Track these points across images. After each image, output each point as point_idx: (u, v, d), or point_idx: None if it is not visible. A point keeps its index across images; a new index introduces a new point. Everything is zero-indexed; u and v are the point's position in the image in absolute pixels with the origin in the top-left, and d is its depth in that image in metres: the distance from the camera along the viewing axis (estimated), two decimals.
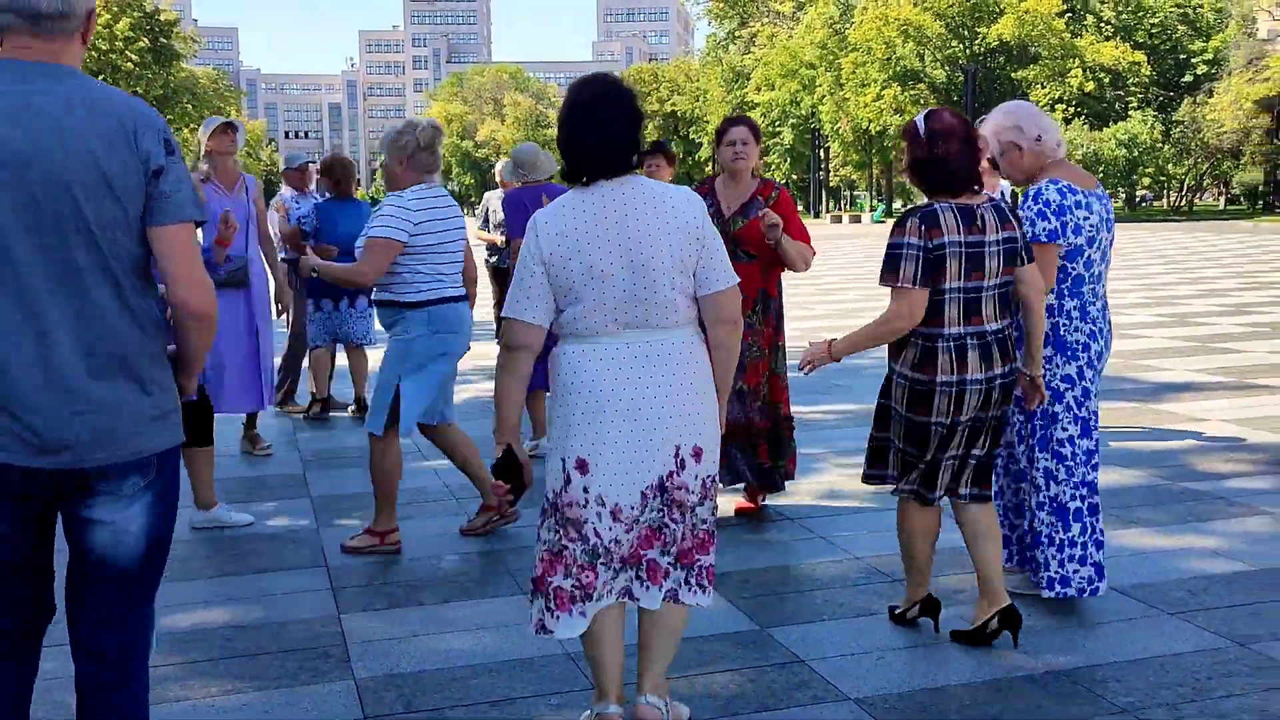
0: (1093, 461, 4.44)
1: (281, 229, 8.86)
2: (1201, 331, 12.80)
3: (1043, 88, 56.35)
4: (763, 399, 5.68)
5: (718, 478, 3.45)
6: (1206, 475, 6.50)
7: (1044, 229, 4.25)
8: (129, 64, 43.93)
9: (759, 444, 5.70)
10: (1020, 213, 4.28)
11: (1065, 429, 4.36)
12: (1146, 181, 59.88)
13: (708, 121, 78.59)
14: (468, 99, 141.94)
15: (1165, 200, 64.81)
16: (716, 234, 3.31)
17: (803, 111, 67.43)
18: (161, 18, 47.34)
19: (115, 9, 43.84)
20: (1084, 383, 4.36)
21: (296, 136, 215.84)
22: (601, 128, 3.21)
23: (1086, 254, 4.33)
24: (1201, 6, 61.33)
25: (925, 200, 3.94)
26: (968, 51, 58.93)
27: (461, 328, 5.40)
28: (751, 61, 72.49)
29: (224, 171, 7.09)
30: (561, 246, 3.16)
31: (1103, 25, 59.23)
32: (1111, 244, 4.45)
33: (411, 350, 5.32)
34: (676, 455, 3.26)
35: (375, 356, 7.11)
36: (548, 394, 4.20)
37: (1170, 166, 56.28)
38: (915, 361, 3.92)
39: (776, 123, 70.54)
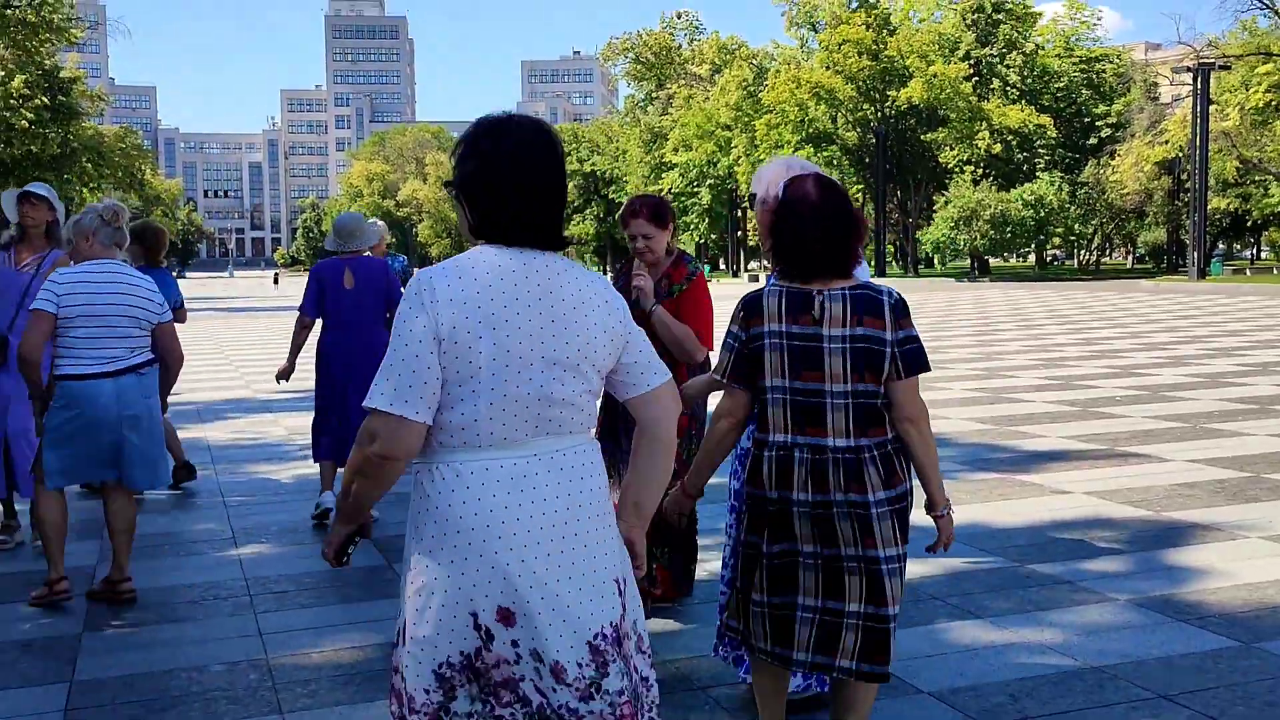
0: None
1: None
2: (1084, 395, 12.64)
3: (952, 149, 57.32)
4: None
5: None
6: (1057, 556, 6.16)
7: None
8: (24, 122, 42.81)
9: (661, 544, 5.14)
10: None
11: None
12: (1056, 241, 61.01)
13: (627, 181, 78.87)
14: (390, 158, 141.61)
15: (1075, 259, 66.06)
16: (638, 327, 2.70)
17: (720, 172, 67.90)
18: (62, 75, 46.29)
19: (10, 66, 42.78)
20: None
21: (216, 196, 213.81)
22: (539, 176, 2.50)
23: None
24: (1104, 72, 62.95)
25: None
26: (879, 114, 59.83)
27: (94, 401, 5.32)
28: (669, 123, 72.97)
29: (33, 241, 6.70)
30: (469, 320, 2.38)
31: (1009, 89, 60.52)
32: None
33: (48, 419, 5.42)
34: (620, 592, 2.55)
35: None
36: None
37: (1077, 226, 57.35)
38: (746, 471, 3.38)
39: (694, 183, 70.98)
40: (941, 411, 11.42)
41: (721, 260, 73.21)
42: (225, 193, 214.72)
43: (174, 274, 8.61)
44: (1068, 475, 8.28)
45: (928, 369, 3.37)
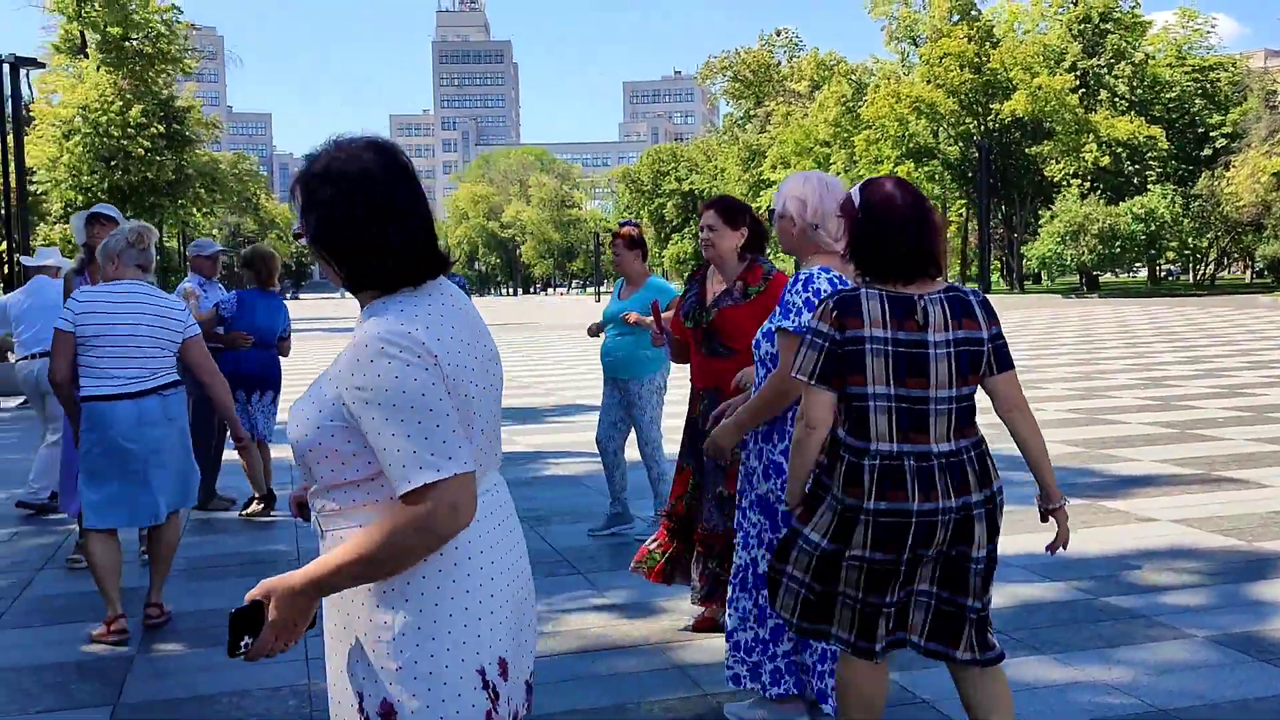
0: None
1: (196, 317, 8.49)
2: (1184, 416, 12.14)
3: (1057, 162, 56.04)
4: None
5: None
6: (1136, 588, 5.87)
7: (797, 321, 3.78)
8: (140, 149, 44.31)
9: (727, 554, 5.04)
10: (787, 297, 3.84)
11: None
12: (1170, 255, 59.20)
13: None
14: (494, 180, 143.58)
15: (1190, 274, 64.03)
16: None
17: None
18: (177, 104, 47.86)
19: (129, 96, 44.34)
20: None
21: None
22: (423, 202, 2.23)
23: None
24: (1219, 81, 61.00)
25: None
26: (981, 128, 58.78)
27: (112, 423, 5.26)
28: (767, 140, 72.68)
29: (96, 264, 6.81)
30: (461, 355, 2.14)
31: (1117, 100, 58.98)
32: None
33: (83, 450, 5.36)
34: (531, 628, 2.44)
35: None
36: None
37: (1191, 240, 55.58)
38: (842, 479, 3.22)
39: None
40: None
41: None
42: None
43: (287, 297, 8.69)
44: (1157, 501, 7.92)
45: (1013, 365, 3.37)
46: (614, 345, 7.17)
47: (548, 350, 26.71)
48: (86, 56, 45.31)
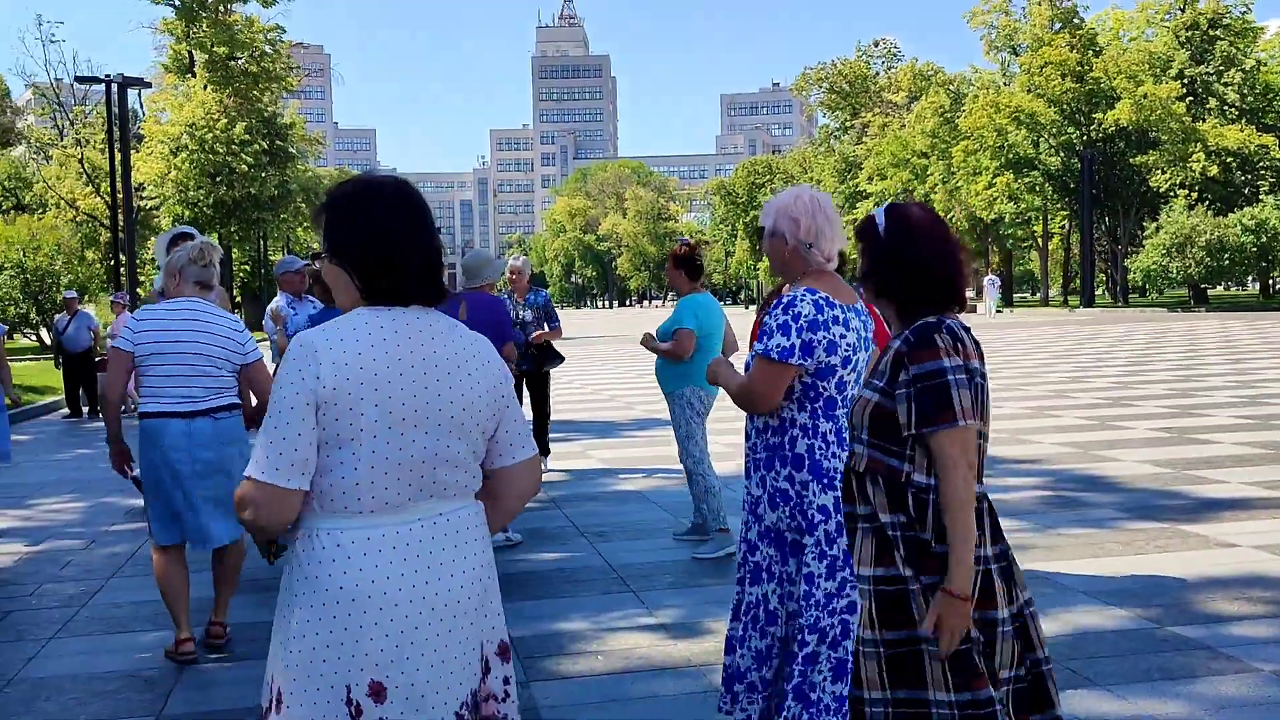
0: (831, 606, 3.65)
1: (280, 341, 8.57)
2: None
3: (1163, 173, 54.52)
4: None
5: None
6: (1204, 617, 5.64)
7: (777, 345, 3.64)
8: (244, 166, 45.48)
9: None
10: (766, 319, 3.72)
11: (808, 564, 3.67)
12: None
13: None
14: (591, 193, 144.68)
15: None
16: (515, 395, 2.65)
17: (916, 200, 66.51)
18: (279, 121, 49.05)
19: (233, 114, 45.55)
20: (839, 516, 3.65)
21: None
22: (433, 236, 2.49)
23: (840, 374, 3.73)
24: None
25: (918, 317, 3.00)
26: (1084, 137, 57.48)
27: (163, 441, 5.27)
28: (863, 151, 72.01)
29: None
30: (350, 381, 2.32)
31: (1227, 109, 57.24)
32: (868, 363, 3.83)
33: (142, 467, 5.38)
34: (483, 659, 2.53)
35: None
36: None
37: None
38: (935, 530, 2.87)
39: None
40: (1116, 452, 10.75)
41: None
42: (439, 229, 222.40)
43: None
44: (1239, 526, 7.61)
45: None
46: (658, 360, 7.35)
47: (632, 363, 26.72)
48: (194, 76, 46.67)
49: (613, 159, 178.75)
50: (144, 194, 46.17)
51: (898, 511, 2.91)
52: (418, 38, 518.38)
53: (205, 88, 45.50)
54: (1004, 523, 7.61)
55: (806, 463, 3.68)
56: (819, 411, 3.71)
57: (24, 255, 41.81)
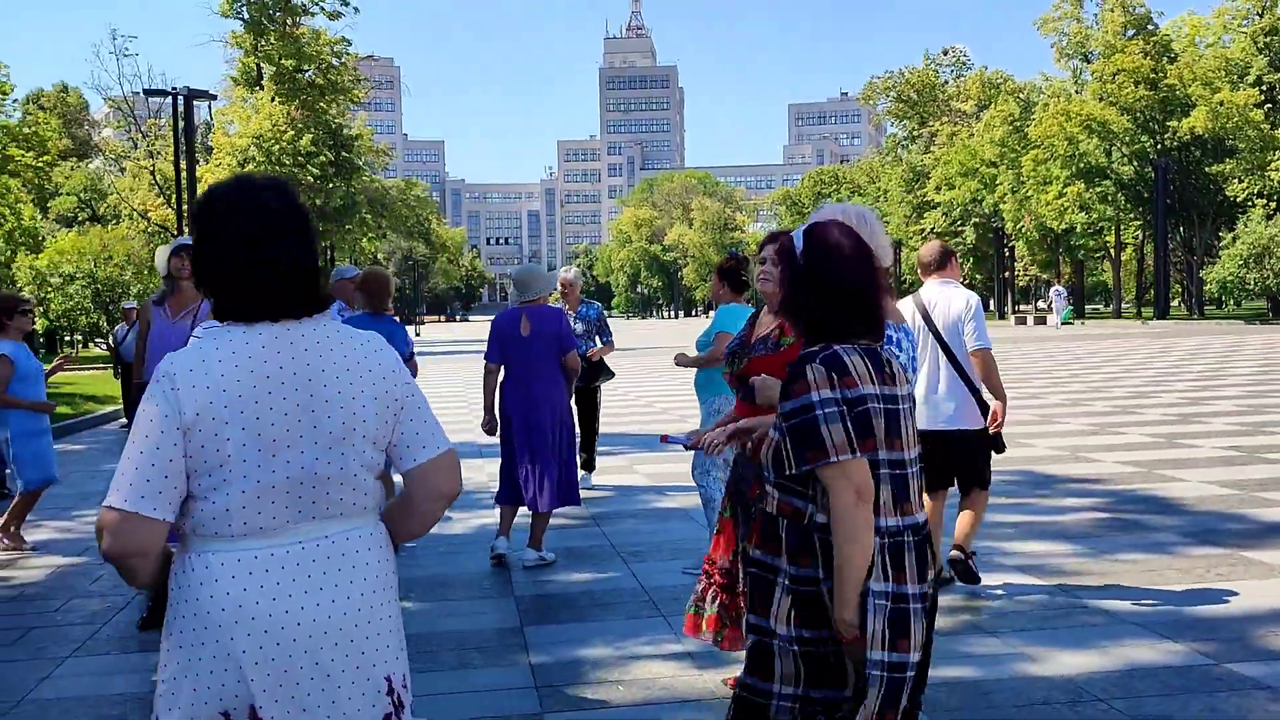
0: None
1: None
2: None
3: (1240, 181, 53.18)
4: None
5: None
6: (1265, 654, 5.29)
7: None
8: (310, 177, 45.99)
9: None
10: None
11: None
12: None
13: (888, 221, 77.36)
14: (657, 204, 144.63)
15: None
16: (418, 388, 2.52)
17: (984, 210, 65.56)
18: (345, 132, 49.51)
19: (300, 126, 46.07)
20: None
21: (496, 243, 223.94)
22: (293, 244, 2.35)
23: None
24: None
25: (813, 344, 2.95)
26: (1157, 146, 56.29)
27: None
28: (931, 161, 71.16)
29: (182, 295, 6.86)
30: (214, 405, 2.23)
31: None
32: (914, 385, 3.72)
33: None
34: (391, 690, 2.40)
35: None
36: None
37: None
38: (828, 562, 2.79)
39: (958, 222, 68.86)
40: (1180, 472, 10.33)
41: (991, 302, 70.46)
42: (506, 240, 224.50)
43: (402, 320, 8.45)
44: None
45: None
46: (697, 372, 7.18)
47: (688, 374, 26.51)
48: (262, 88, 47.29)
49: (679, 169, 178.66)
50: None
51: (801, 558, 2.82)
52: (486, 50, 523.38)
53: (273, 100, 46.06)
54: (1056, 547, 7.38)
55: None
56: None
57: (95, 265, 42.76)
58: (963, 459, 6.48)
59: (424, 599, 6.73)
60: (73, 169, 66.16)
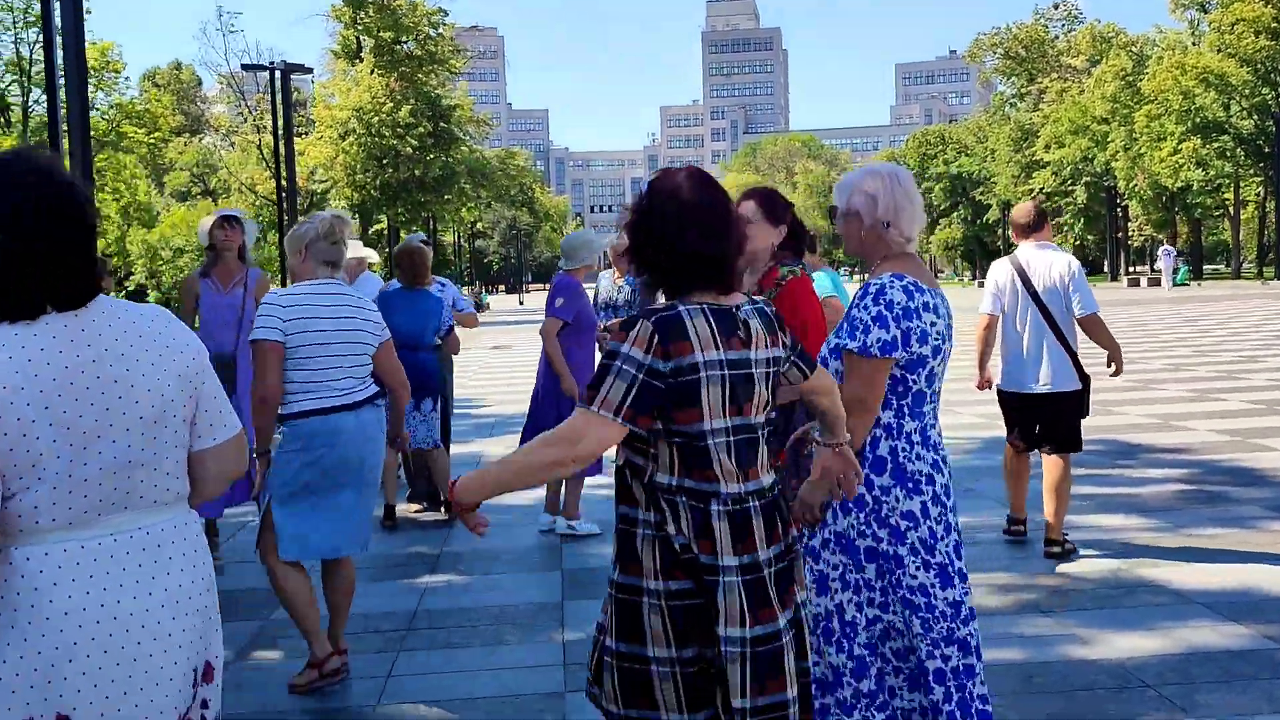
0: (961, 615, 3.39)
1: None
2: None
3: None
4: None
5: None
6: None
7: (878, 339, 3.29)
8: (409, 148, 46.46)
9: None
10: (854, 312, 3.35)
11: (914, 575, 3.35)
12: None
13: (995, 181, 75.54)
14: (760, 168, 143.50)
15: None
16: (211, 371, 2.44)
17: (1096, 169, 63.54)
18: (444, 103, 49.86)
19: (399, 98, 46.53)
20: (929, 521, 3.37)
21: (600, 211, 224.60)
22: (67, 228, 2.22)
23: (930, 365, 3.40)
24: None
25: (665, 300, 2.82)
26: (1279, 98, 53.86)
27: (336, 439, 4.67)
28: (1040, 119, 69.18)
29: (225, 266, 6.88)
30: (15, 406, 2.13)
31: None
32: (950, 355, 3.51)
33: (276, 471, 4.72)
34: (197, 681, 2.36)
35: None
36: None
37: None
38: (690, 532, 2.71)
39: (1068, 181, 66.90)
40: (1275, 441, 9.83)
41: (1104, 263, 68.34)
42: (609, 208, 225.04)
43: (441, 290, 8.28)
44: None
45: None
46: None
47: None
48: (361, 60, 47.85)
49: (783, 133, 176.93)
50: (316, 178, 47.65)
51: (651, 510, 2.73)
52: (589, 17, 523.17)
53: (372, 72, 46.58)
54: (1130, 521, 7.04)
55: (889, 466, 3.36)
56: (905, 409, 3.39)
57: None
58: (1056, 421, 6.46)
59: (470, 572, 6.70)
60: (185, 145, 67.91)
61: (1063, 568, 6.21)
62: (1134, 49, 64.92)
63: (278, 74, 29.03)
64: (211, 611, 2.41)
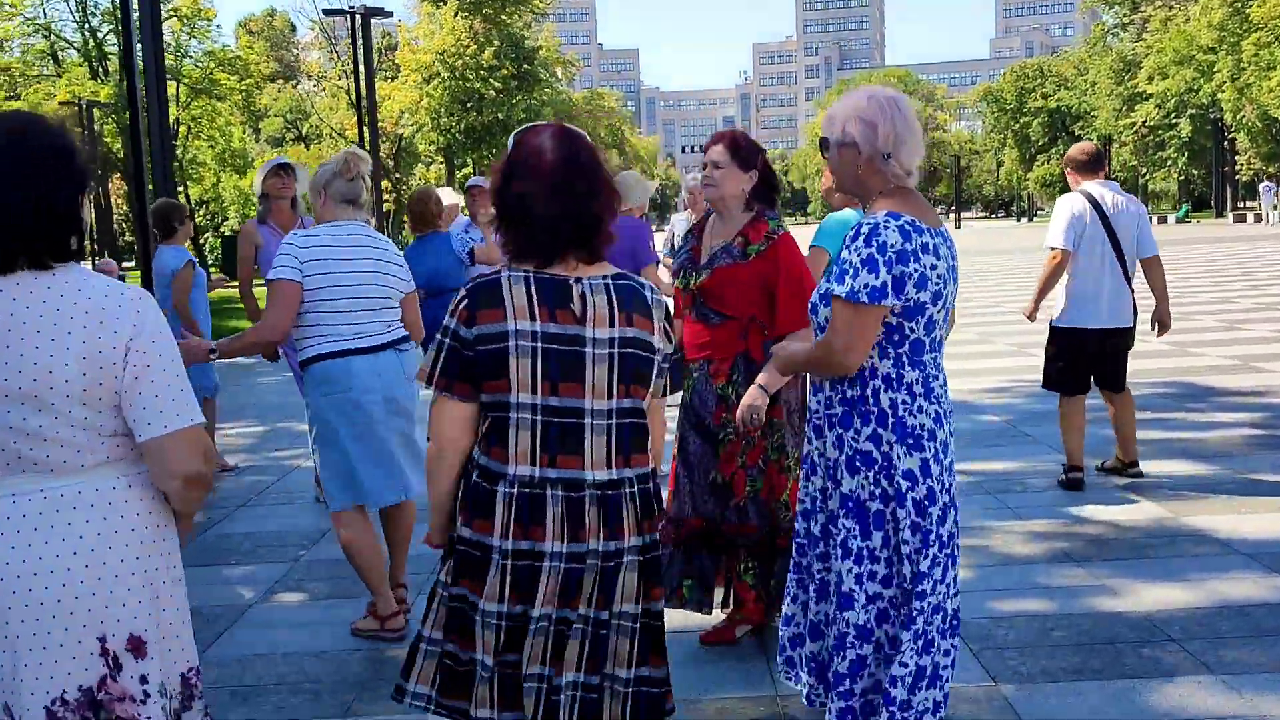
0: (946, 579, 3.16)
1: None
2: None
3: None
4: (751, 495, 4.23)
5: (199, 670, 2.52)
6: None
7: (865, 285, 2.99)
8: (492, 91, 46.47)
9: (739, 554, 4.34)
10: (845, 254, 3.07)
11: (907, 540, 3.11)
12: None
13: (1095, 115, 73.17)
14: None
15: None
16: (166, 352, 2.35)
17: (1201, 100, 61.15)
18: (526, 44, 49.74)
19: (481, 39, 46.52)
20: (929, 480, 3.10)
21: (691, 151, 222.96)
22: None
23: (929, 313, 3.09)
24: None
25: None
26: None
27: (351, 382, 4.56)
28: (1143, 49, 66.67)
29: (280, 213, 6.93)
30: None
31: None
32: (954, 299, 3.19)
33: (314, 419, 4.72)
34: (105, 651, 2.31)
35: None
36: None
37: None
38: (469, 510, 2.65)
39: (1173, 114, 64.53)
40: None
41: (1211, 199, 65.91)
42: (700, 148, 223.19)
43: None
44: None
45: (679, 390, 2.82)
46: None
47: None
48: (445, 3, 47.89)
49: (879, 68, 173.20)
50: (402, 122, 47.98)
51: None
52: None
53: (456, 15, 46.59)
54: (1190, 467, 6.78)
55: (891, 420, 3.10)
56: (904, 359, 3.11)
57: None
58: (1115, 356, 6.62)
59: None
60: (279, 91, 68.79)
61: (1106, 514, 6.00)
62: None
63: (357, 17, 29.15)
64: (137, 581, 2.35)
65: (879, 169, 3.13)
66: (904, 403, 3.10)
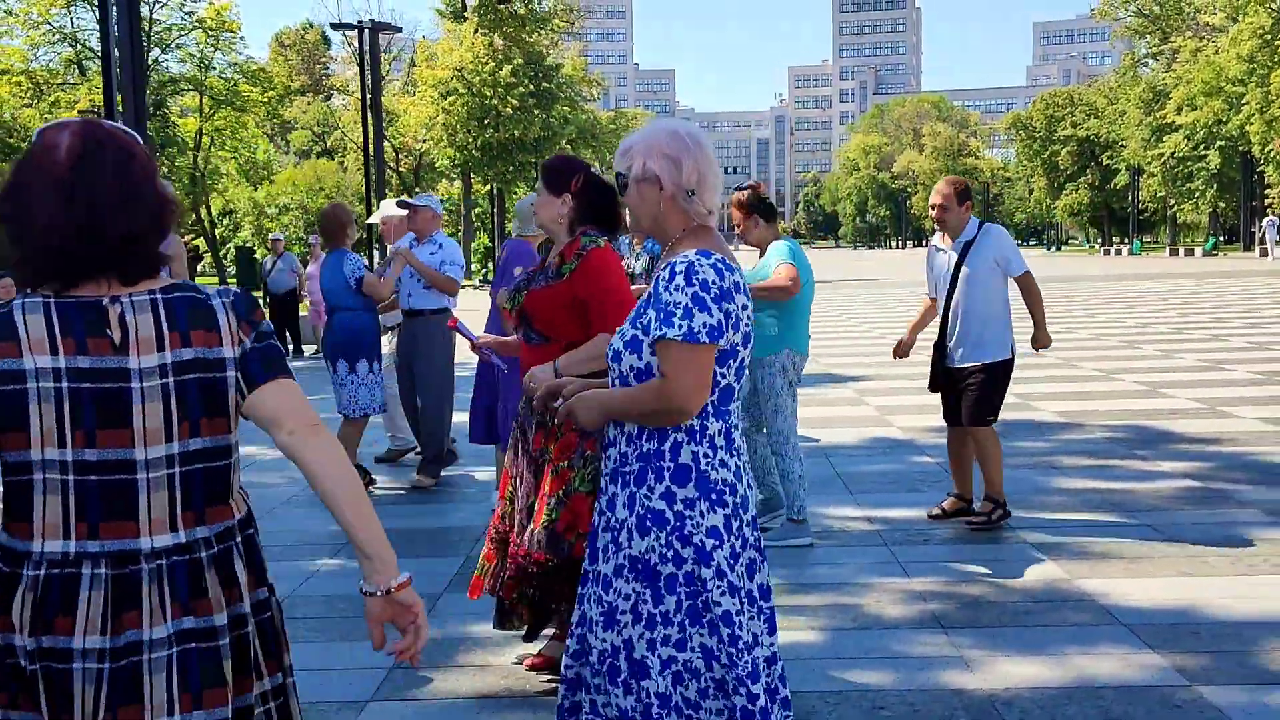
0: (774, 636, 2.90)
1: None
2: None
3: None
4: (546, 524, 4.01)
5: None
6: (1255, 675, 4.33)
7: (704, 324, 2.73)
8: (509, 108, 46.42)
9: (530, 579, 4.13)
10: (664, 295, 2.78)
11: (719, 601, 2.78)
12: None
13: (1124, 145, 72.44)
14: (887, 130, 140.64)
15: None
16: None
17: (1230, 132, 60.34)
18: (545, 63, 49.71)
19: (500, 58, 46.52)
20: (731, 539, 2.81)
21: (726, 172, 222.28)
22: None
23: (741, 356, 2.85)
24: None
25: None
26: None
27: None
28: (1172, 80, 65.95)
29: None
30: None
31: None
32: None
33: None
34: None
35: None
36: None
37: None
38: None
39: (1202, 145, 63.74)
40: None
41: (1239, 230, 64.93)
42: (734, 169, 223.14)
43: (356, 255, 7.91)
44: None
45: (287, 373, 2.24)
46: None
47: (867, 308, 25.35)
48: (466, 19, 47.91)
49: (914, 93, 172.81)
50: (419, 137, 48.00)
51: None
52: None
53: (476, 32, 46.59)
54: (1111, 520, 6.40)
55: (693, 475, 2.79)
56: (710, 408, 2.81)
57: (307, 197, 44.54)
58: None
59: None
60: (309, 104, 69.10)
61: (998, 574, 5.62)
62: (1274, 6, 61.32)
63: (365, 32, 29.09)
64: None
65: (682, 207, 2.90)
66: (705, 456, 2.80)
